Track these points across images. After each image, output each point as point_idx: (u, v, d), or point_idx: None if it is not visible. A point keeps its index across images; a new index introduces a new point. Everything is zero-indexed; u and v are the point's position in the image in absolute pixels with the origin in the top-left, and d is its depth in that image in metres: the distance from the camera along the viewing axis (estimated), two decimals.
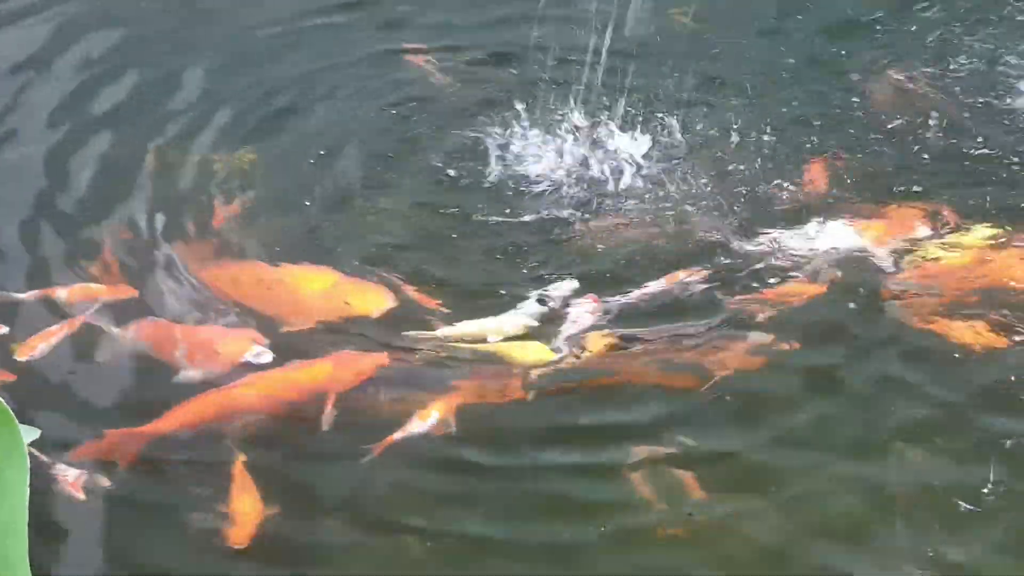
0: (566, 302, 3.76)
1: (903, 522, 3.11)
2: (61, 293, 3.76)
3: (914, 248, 3.98)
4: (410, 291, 3.81)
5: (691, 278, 3.84)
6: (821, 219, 4.11)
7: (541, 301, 3.77)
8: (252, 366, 3.52)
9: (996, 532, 3.10)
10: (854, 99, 4.86)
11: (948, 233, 4.03)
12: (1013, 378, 3.52)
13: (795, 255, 3.97)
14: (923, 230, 4.04)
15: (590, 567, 3.06)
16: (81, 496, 3.10)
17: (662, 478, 3.22)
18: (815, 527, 3.14)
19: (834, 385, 3.56)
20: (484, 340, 3.60)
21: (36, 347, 3.55)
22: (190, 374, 3.53)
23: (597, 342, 3.62)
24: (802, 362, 3.60)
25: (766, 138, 4.60)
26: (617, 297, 3.79)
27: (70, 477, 3.14)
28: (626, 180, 4.37)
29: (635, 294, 3.81)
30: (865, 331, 3.71)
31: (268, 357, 3.55)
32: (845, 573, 3.05)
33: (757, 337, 3.62)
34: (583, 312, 3.72)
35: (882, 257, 3.95)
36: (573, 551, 3.10)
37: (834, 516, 3.16)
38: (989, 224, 4.07)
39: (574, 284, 3.82)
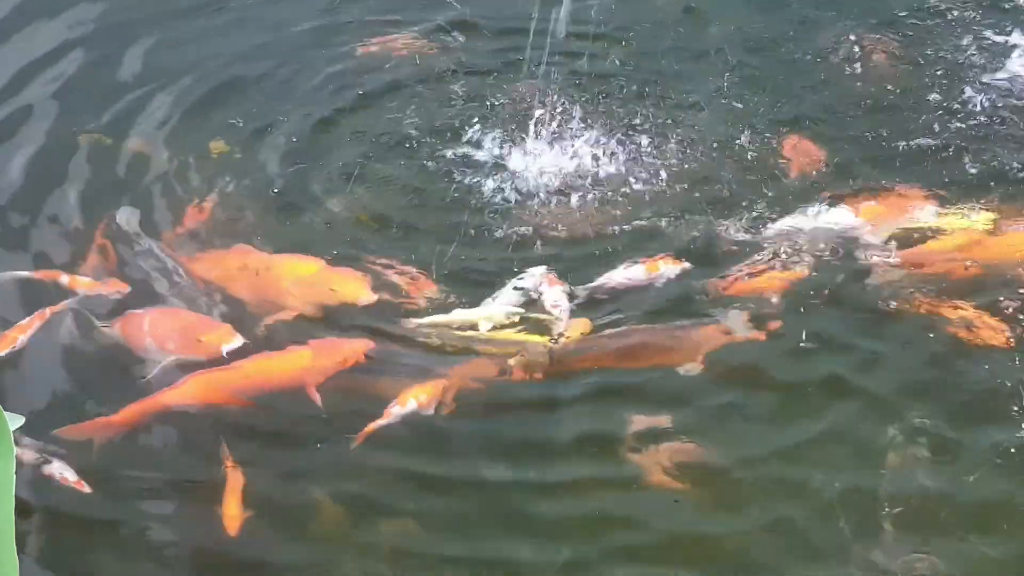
0: (539, 288, 3.77)
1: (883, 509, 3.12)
2: (61, 279, 3.76)
3: (899, 230, 3.95)
4: (393, 279, 3.81)
5: (670, 266, 3.84)
6: (803, 200, 4.10)
7: (517, 288, 3.78)
8: (231, 354, 3.52)
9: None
10: (831, 71, 4.84)
11: (933, 214, 4.00)
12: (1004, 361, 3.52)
13: (777, 238, 3.95)
14: (908, 211, 4.01)
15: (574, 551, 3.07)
16: (84, 489, 3.12)
17: (647, 463, 3.24)
18: (798, 517, 3.14)
19: (819, 372, 3.54)
20: (475, 328, 3.61)
21: (15, 340, 3.54)
22: (168, 362, 3.52)
23: (576, 329, 3.64)
24: (786, 348, 3.59)
25: (743, 116, 4.57)
26: (596, 282, 3.80)
27: (69, 478, 3.14)
28: (602, 159, 4.37)
29: (610, 279, 3.82)
30: (850, 316, 3.70)
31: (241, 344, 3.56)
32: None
33: (739, 323, 3.63)
34: (556, 295, 3.73)
35: (868, 240, 3.92)
36: (554, 536, 3.11)
37: (818, 506, 3.16)
38: (972, 202, 4.05)
39: (543, 270, 3.83)
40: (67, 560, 3.03)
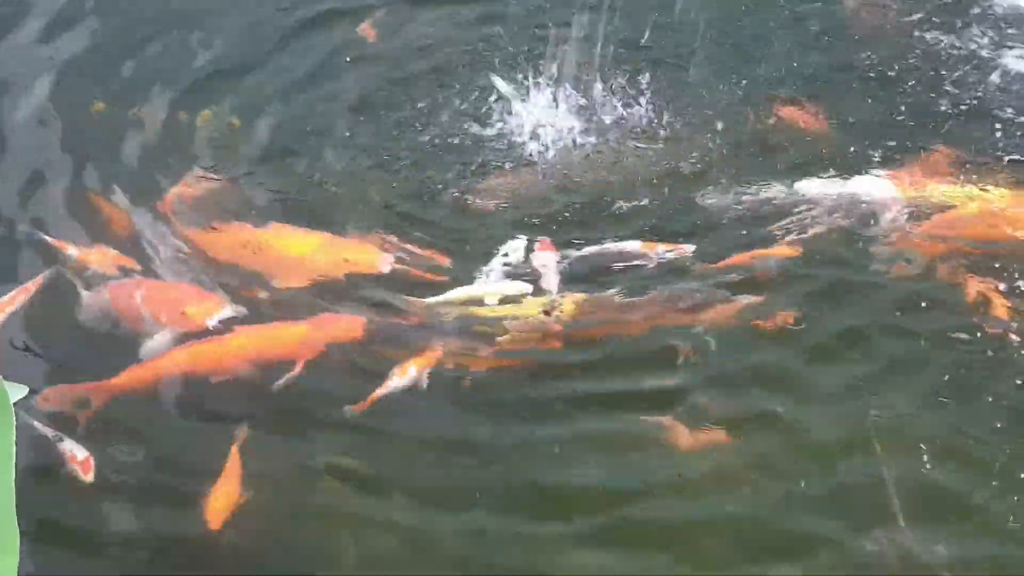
0: (527, 256, 3.75)
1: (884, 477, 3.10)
2: (72, 250, 3.74)
3: (911, 201, 3.87)
4: (405, 250, 3.78)
5: (666, 248, 3.78)
6: (805, 171, 4.02)
7: (504, 262, 3.76)
8: (219, 326, 3.50)
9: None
10: (829, 29, 4.74)
11: (946, 185, 3.92)
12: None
13: (781, 209, 3.89)
14: (919, 182, 3.93)
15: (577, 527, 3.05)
16: (88, 476, 3.10)
17: (651, 437, 3.21)
18: (804, 488, 3.12)
19: (824, 345, 3.50)
20: (482, 303, 3.57)
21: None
22: (157, 332, 3.49)
23: (570, 301, 3.62)
24: (792, 323, 3.53)
25: (741, 80, 4.49)
26: (588, 250, 3.77)
27: (78, 456, 3.13)
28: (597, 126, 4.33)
29: (604, 251, 3.79)
30: (857, 290, 3.65)
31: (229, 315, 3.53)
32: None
33: (746, 298, 3.58)
34: (548, 260, 3.71)
35: (877, 212, 3.84)
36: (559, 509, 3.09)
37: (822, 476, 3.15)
38: (990, 172, 3.98)
39: (524, 241, 3.81)
40: (63, 534, 3.00)
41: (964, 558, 2.92)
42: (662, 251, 3.76)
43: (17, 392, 2.27)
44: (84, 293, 3.59)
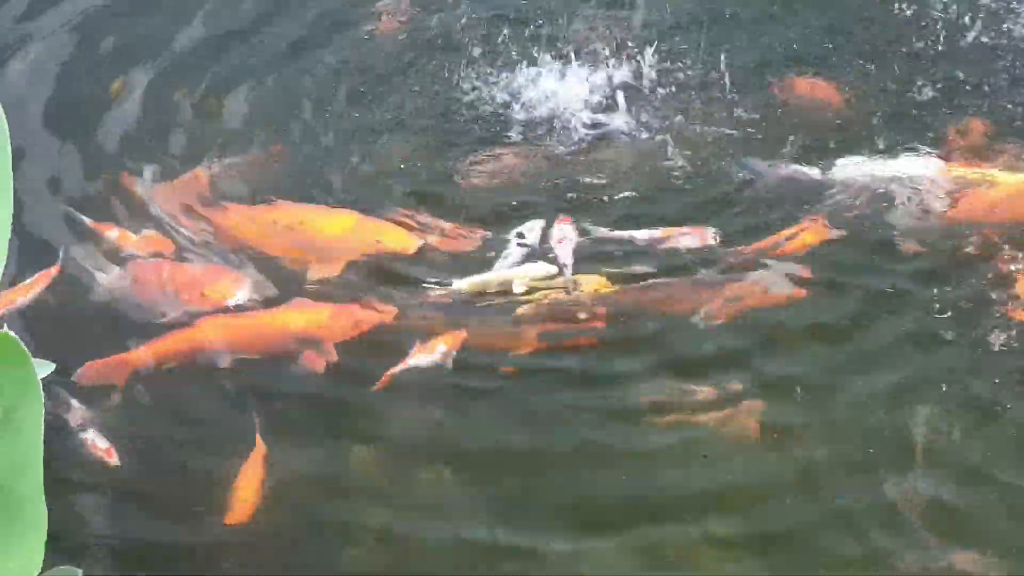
0: (543, 237, 3.73)
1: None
2: (111, 232, 3.74)
3: (948, 181, 3.76)
4: (435, 231, 3.77)
5: (689, 234, 3.73)
6: (838, 151, 3.92)
7: (520, 243, 3.73)
8: (237, 305, 3.52)
9: None
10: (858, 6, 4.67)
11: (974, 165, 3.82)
12: None
13: (812, 190, 3.81)
14: (956, 160, 3.83)
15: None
16: (113, 462, 3.12)
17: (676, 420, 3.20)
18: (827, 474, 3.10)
19: (851, 330, 3.46)
20: (510, 288, 3.55)
21: (13, 301, 3.50)
22: (176, 313, 3.51)
23: (590, 282, 3.59)
24: (816, 307, 3.51)
25: (764, 57, 4.41)
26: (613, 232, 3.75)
27: (100, 445, 3.15)
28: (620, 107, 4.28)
29: (629, 235, 3.75)
30: (883, 275, 3.58)
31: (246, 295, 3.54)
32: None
33: (775, 279, 3.55)
34: (568, 235, 3.69)
35: (915, 192, 3.75)
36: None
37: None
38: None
39: (542, 222, 3.77)
40: (83, 521, 3.03)
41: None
42: (684, 234, 3.72)
43: (45, 368, 2.28)
44: (106, 274, 3.60)
